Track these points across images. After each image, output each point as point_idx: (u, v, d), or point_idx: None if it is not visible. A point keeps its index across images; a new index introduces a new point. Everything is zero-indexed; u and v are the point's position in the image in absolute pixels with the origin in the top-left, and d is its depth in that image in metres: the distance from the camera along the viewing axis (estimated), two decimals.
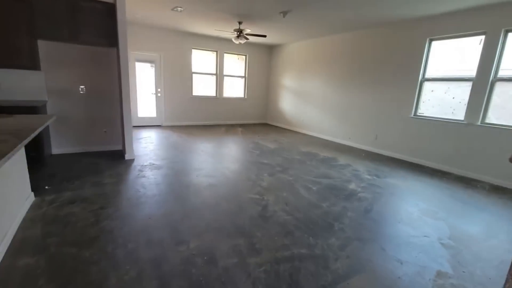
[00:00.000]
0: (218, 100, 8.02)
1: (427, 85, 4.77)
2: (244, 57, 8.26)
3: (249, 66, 8.31)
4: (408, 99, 4.96)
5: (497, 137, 3.89)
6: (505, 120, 3.89)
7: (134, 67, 6.61)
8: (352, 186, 3.50)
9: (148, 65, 6.86)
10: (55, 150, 4.14)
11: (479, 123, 4.09)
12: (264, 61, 8.57)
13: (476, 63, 4.09)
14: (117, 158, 4.07)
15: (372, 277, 1.79)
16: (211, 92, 7.95)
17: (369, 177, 3.92)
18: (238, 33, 5.51)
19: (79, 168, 3.55)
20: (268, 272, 1.78)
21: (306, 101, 7.31)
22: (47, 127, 3.94)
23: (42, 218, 2.29)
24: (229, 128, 7.60)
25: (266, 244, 2.09)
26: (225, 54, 7.82)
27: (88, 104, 4.23)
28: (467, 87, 4.23)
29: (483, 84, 4.02)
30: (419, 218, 2.71)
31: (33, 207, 2.47)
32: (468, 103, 4.20)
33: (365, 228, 2.44)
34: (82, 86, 4.16)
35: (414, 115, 4.92)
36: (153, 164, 3.90)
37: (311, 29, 5.88)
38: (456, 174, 4.27)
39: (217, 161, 4.25)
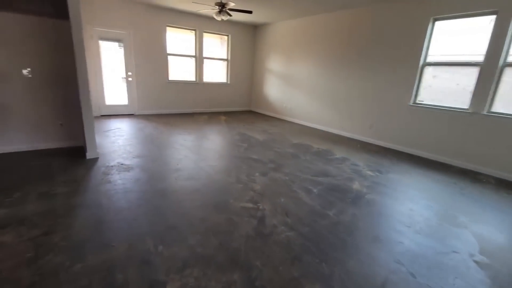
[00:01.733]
0: (198, 85, 7.27)
1: (428, 70, 4.39)
2: (226, 37, 7.49)
3: (231, 47, 7.57)
4: (407, 85, 4.58)
5: (504, 127, 3.61)
6: None
7: (98, 46, 5.67)
8: (355, 185, 3.08)
9: (115, 44, 5.94)
10: None
11: (485, 112, 3.79)
12: (249, 42, 7.84)
13: (485, 46, 3.73)
14: (76, 157, 3.36)
15: None
16: (190, 76, 7.17)
17: (371, 173, 3.53)
18: (220, 7, 4.78)
19: (24, 173, 2.83)
20: None
21: (295, 87, 6.78)
22: None
23: None
24: (211, 116, 6.94)
25: (269, 279, 1.60)
26: (204, 34, 7.01)
27: (37, 91, 3.42)
28: (473, 73, 3.89)
29: (491, 69, 3.68)
30: (439, 226, 2.34)
31: None
32: (474, 90, 3.87)
33: (383, 244, 2.02)
34: (28, 69, 3.33)
35: (413, 103, 4.56)
36: (122, 164, 3.24)
37: (303, 5, 5.25)
38: (458, 167, 4.00)
39: (200, 158, 3.66)
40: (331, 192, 2.85)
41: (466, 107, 3.98)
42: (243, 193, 2.71)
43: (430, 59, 4.34)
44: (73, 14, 2.90)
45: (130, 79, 6.20)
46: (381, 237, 2.10)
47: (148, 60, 6.31)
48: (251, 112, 8.09)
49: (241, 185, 2.88)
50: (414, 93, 4.52)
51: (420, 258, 1.89)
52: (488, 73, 3.70)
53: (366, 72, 5.14)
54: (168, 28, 6.42)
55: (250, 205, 2.47)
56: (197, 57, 7.05)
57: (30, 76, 3.35)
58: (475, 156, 3.89)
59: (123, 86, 6.19)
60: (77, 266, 1.59)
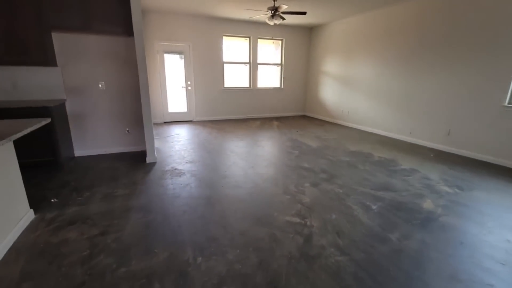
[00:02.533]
0: (251, 91, 7.34)
1: None
2: (280, 42, 7.40)
3: (285, 52, 7.44)
4: (497, 82, 3.71)
5: None
6: None
7: (163, 60, 6.22)
8: (427, 204, 2.58)
9: (177, 56, 6.43)
10: (78, 152, 3.88)
11: None
12: (303, 45, 7.60)
13: None
14: (138, 162, 3.66)
15: None
16: (244, 83, 7.29)
17: (448, 189, 2.92)
18: (272, 11, 4.70)
19: (95, 175, 3.19)
20: None
21: (353, 88, 6.24)
22: (67, 128, 3.66)
23: (31, 247, 1.87)
24: (264, 122, 6.90)
25: None
26: (259, 40, 7.05)
27: (109, 101, 3.86)
28: None
29: None
30: None
31: (29, 228, 2.08)
32: None
33: (464, 285, 1.58)
34: (102, 82, 3.79)
35: (508, 104, 3.67)
36: (176, 169, 3.39)
37: (360, 0, 4.80)
38: None
39: (248, 165, 3.60)
40: (394, 211, 2.43)
41: None
42: (290, 205, 2.51)
43: None
44: (136, 32, 3.18)
45: (189, 87, 6.62)
46: (461, 276, 1.65)
47: (205, 69, 6.64)
48: (305, 117, 7.79)
49: (288, 197, 2.69)
50: (510, 92, 3.64)
51: None
52: None
53: (440, 68, 4.37)
54: (224, 37, 6.66)
55: (296, 219, 2.27)
56: (251, 63, 7.14)
57: (104, 89, 3.81)
58: None
59: (183, 95, 6.65)
60: (121, 270, 1.65)
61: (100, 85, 3.77)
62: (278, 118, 7.46)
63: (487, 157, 3.89)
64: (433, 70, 4.51)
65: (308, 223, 2.22)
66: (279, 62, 7.56)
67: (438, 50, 4.40)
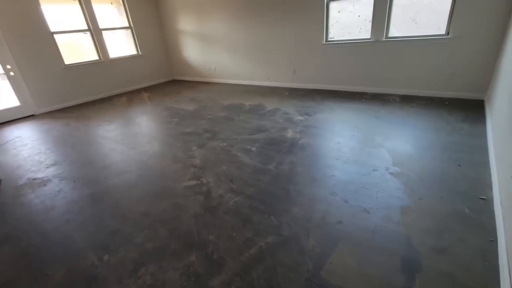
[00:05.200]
0: (104, 64, 6.28)
1: (333, 6, 4.54)
2: (120, 0, 6.38)
3: (131, 12, 6.54)
4: (317, 25, 4.71)
5: (400, 49, 4.10)
6: (408, 31, 4.06)
7: None
8: (289, 134, 3.26)
9: None
10: None
11: (384, 38, 4.20)
12: (150, 3, 6.86)
13: None
14: None
15: (351, 244, 1.61)
16: (91, 55, 6.11)
17: (301, 117, 3.74)
18: None
19: None
20: None
21: (214, 45, 6.39)
22: None
23: None
24: (132, 96, 6.23)
25: (225, 248, 1.67)
26: (92, 1, 5.83)
27: None
28: (370, 3, 4.16)
29: None
30: (361, 151, 2.68)
31: None
32: (372, 19, 4.20)
33: (320, 182, 2.25)
34: None
35: (326, 41, 4.78)
36: (34, 179, 2.77)
37: None
38: (371, 93, 4.52)
39: (128, 147, 3.34)
40: (268, 147, 2.96)
41: (368, 36, 4.33)
42: (183, 172, 2.62)
43: None
44: None
45: (11, 73, 4.99)
46: (318, 177, 2.33)
47: (28, 46, 5.08)
48: (175, 82, 7.51)
49: (180, 164, 2.77)
50: (324, 31, 4.70)
51: (350, 184, 2.17)
52: (381, 0, 4.00)
53: (277, 19, 5.08)
54: (42, 2, 5.13)
55: (193, 182, 2.43)
56: (92, 30, 5.95)
57: None
58: (382, 80, 4.41)
59: (6, 84, 4.99)
60: None
61: None
62: (147, 89, 6.87)
63: (321, 85, 5.10)
64: (271, 22, 5.17)
65: (204, 181, 2.43)
66: (127, 25, 6.63)
67: (270, 3, 5.00)
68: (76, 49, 5.92)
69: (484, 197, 1.87)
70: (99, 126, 4.27)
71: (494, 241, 1.52)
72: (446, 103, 3.73)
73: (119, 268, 1.60)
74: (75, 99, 5.91)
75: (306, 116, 3.77)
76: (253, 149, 2.95)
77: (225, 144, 3.15)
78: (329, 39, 4.77)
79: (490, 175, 2.10)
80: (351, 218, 1.81)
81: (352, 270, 1.45)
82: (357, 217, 1.82)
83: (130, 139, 3.60)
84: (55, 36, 5.46)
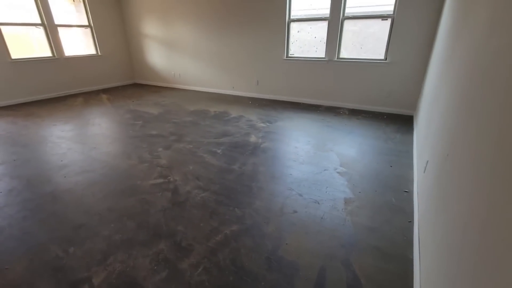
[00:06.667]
0: (58, 61, 5.92)
1: (294, 26, 5.03)
2: None
3: (91, 10, 6.33)
4: (279, 41, 5.15)
5: (349, 69, 4.70)
6: (356, 54, 4.68)
7: None
8: (252, 138, 3.52)
9: None
10: None
11: (335, 58, 4.78)
12: (113, 2, 6.72)
13: (329, 2, 4.53)
14: None
15: (304, 228, 1.89)
16: (44, 52, 5.73)
17: (263, 125, 4.05)
18: None
19: None
20: (209, 270, 1.56)
21: (179, 51, 6.48)
22: None
23: None
24: (89, 97, 5.96)
25: (193, 236, 1.81)
26: None
27: None
28: (324, 26, 4.73)
29: (335, 22, 4.56)
30: (315, 154, 3.04)
31: None
32: (326, 41, 4.76)
33: (278, 179, 2.52)
34: None
35: (286, 57, 5.23)
36: None
37: None
38: (325, 106, 5.05)
39: (89, 147, 3.27)
40: (233, 149, 3.18)
41: (323, 56, 4.89)
42: (150, 171, 2.69)
43: (294, 14, 4.95)
44: None
45: None
46: (277, 175, 2.60)
47: None
48: (136, 85, 7.35)
49: (146, 164, 2.83)
50: (285, 48, 5.16)
51: (304, 181, 2.48)
52: (334, 25, 4.59)
53: (243, 31, 5.42)
54: None
55: (160, 180, 2.52)
56: (46, 25, 5.61)
57: None
58: (335, 95, 4.97)
59: None
60: None
61: None
62: (105, 90, 6.62)
63: (279, 97, 5.52)
64: (237, 33, 5.50)
65: (171, 179, 2.54)
66: (87, 24, 6.38)
67: (236, 16, 5.34)
68: (26, 44, 5.52)
69: (407, 190, 2.33)
70: (53, 125, 4.05)
71: (411, 222, 1.94)
72: (385, 117, 4.37)
73: (86, 258, 1.65)
74: (23, 96, 5.46)
75: (268, 124, 4.09)
76: (219, 151, 3.13)
77: (191, 146, 3.28)
78: (290, 55, 5.24)
79: (413, 173, 2.60)
80: (304, 208, 2.10)
81: (304, 248, 1.71)
82: (309, 207, 2.11)
83: (90, 140, 3.51)
84: (1, 27, 5.05)
